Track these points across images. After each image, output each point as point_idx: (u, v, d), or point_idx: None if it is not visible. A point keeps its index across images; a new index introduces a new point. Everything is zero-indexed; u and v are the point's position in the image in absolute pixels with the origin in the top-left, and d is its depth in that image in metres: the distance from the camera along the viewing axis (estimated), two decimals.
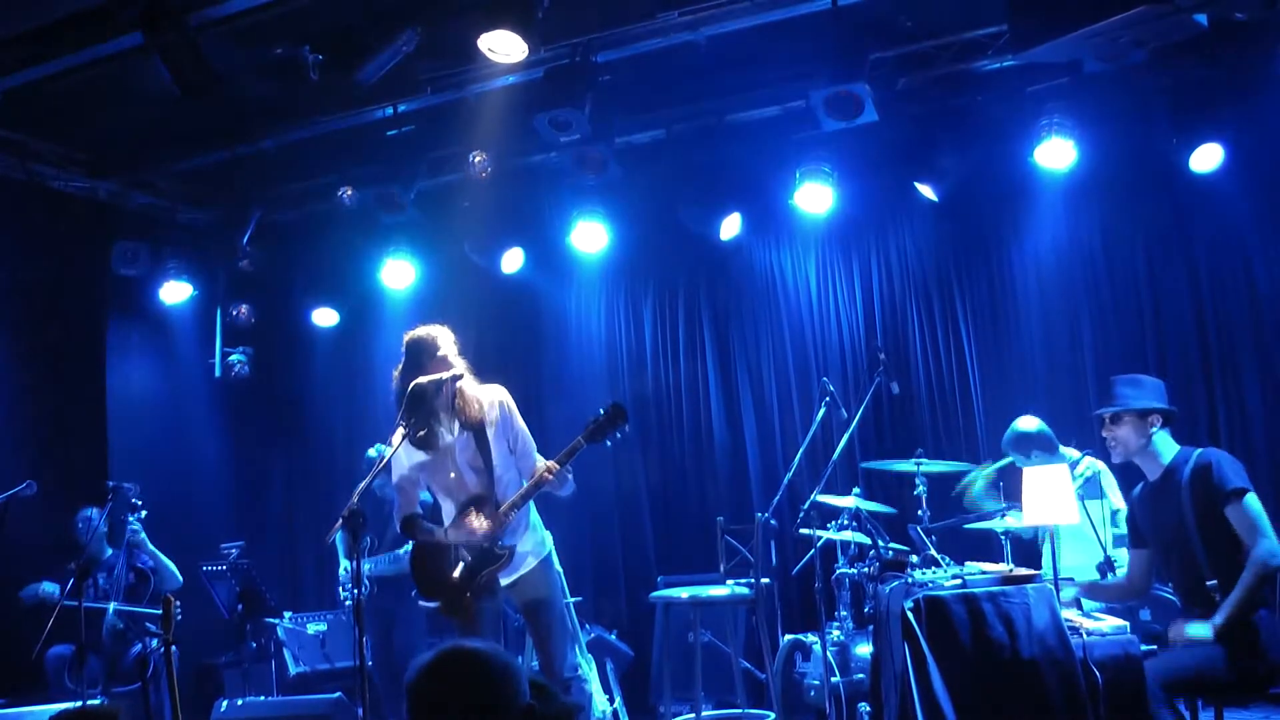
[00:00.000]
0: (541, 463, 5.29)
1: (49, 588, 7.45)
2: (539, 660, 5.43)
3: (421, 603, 5.52)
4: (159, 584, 7.54)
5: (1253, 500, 4.67)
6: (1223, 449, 5.06)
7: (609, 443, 5.25)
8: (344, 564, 7.88)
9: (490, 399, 5.38)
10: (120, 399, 8.99)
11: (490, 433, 5.33)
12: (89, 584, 7.56)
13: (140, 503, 7.52)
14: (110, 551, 7.70)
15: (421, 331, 5.42)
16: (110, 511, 7.53)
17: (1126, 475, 6.66)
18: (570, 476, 5.34)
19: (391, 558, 7.66)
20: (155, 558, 7.59)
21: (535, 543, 5.43)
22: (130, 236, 8.56)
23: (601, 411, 5.24)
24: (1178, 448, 4.96)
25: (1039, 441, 6.48)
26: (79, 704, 5.76)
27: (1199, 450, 4.89)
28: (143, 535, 7.54)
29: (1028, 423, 6.54)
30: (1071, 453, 6.53)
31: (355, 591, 4.96)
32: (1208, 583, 4.65)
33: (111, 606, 7.29)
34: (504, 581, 5.35)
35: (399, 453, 5.34)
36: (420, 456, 5.40)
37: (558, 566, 5.60)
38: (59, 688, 7.04)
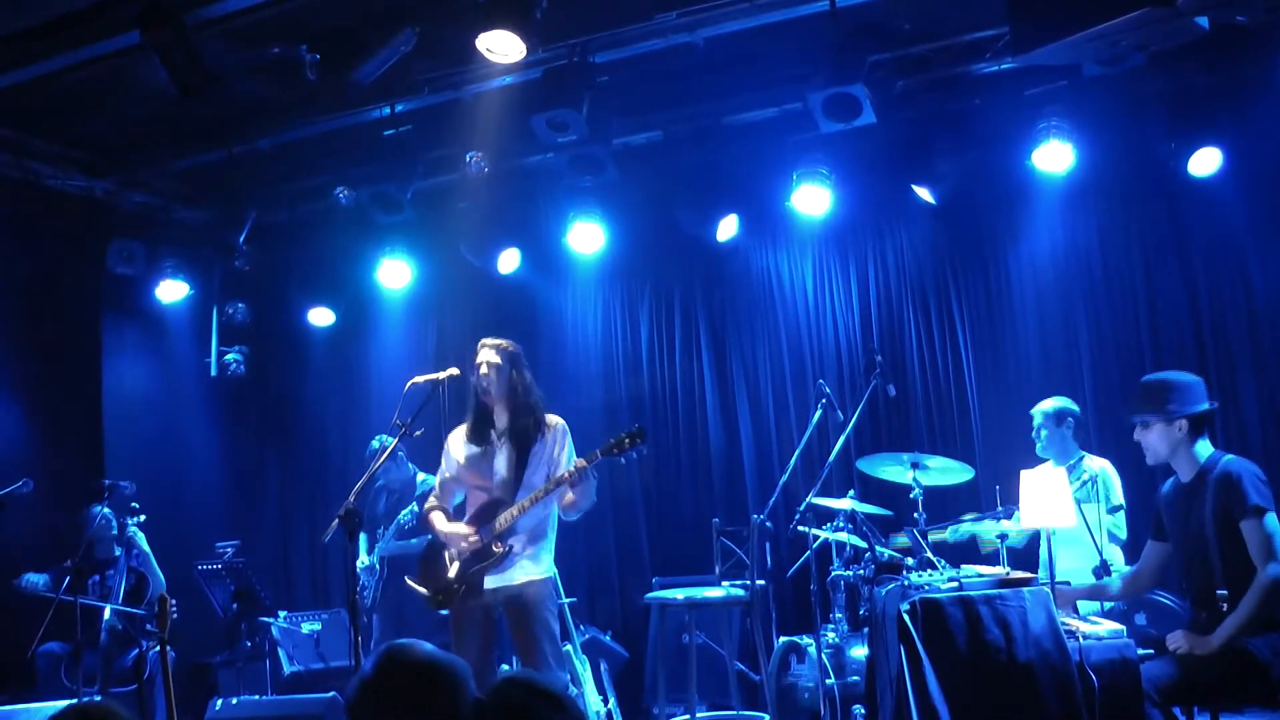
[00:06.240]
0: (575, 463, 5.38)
1: (33, 578, 7.43)
2: None
3: (412, 585, 5.57)
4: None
5: (1271, 520, 4.55)
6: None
7: (624, 460, 5.36)
8: (363, 559, 7.92)
9: (548, 426, 5.54)
10: (116, 398, 8.99)
11: (534, 450, 5.47)
12: (93, 582, 7.57)
13: (138, 505, 7.54)
14: (119, 552, 7.70)
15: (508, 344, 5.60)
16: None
17: (1142, 472, 6.70)
18: (593, 484, 5.39)
19: (397, 533, 7.93)
20: (145, 560, 7.59)
21: (536, 557, 5.43)
22: (126, 235, 8.55)
23: (625, 433, 5.36)
24: (1211, 450, 4.85)
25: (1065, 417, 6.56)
26: (76, 701, 5.78)
27: (1227, 457, 4.78)
28: (140, 538, 7.55)
29: (1059, 400, 6.64)
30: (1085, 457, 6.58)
31: (351, 592, 4.96)
32: (1218, 591, 4.62)
33: (107, 609, 7.28)
34: (490, 584, 5.36)
35: (452, 447, 5.63)
36: (473, 450, 5.57)
37: (558, 590, 5.64)
38: (51, 686, 7.02)
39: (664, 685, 6.82)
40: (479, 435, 5.57)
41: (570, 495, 5.42)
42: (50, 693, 6.87)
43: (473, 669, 5.33)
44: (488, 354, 5.52)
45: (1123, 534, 6.45)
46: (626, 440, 5.30)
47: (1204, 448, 4.87)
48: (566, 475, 5.29)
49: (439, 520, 5.58)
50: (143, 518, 7.55)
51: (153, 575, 7.60)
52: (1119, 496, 6.46)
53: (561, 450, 5.51)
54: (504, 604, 5.42)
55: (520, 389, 5.52)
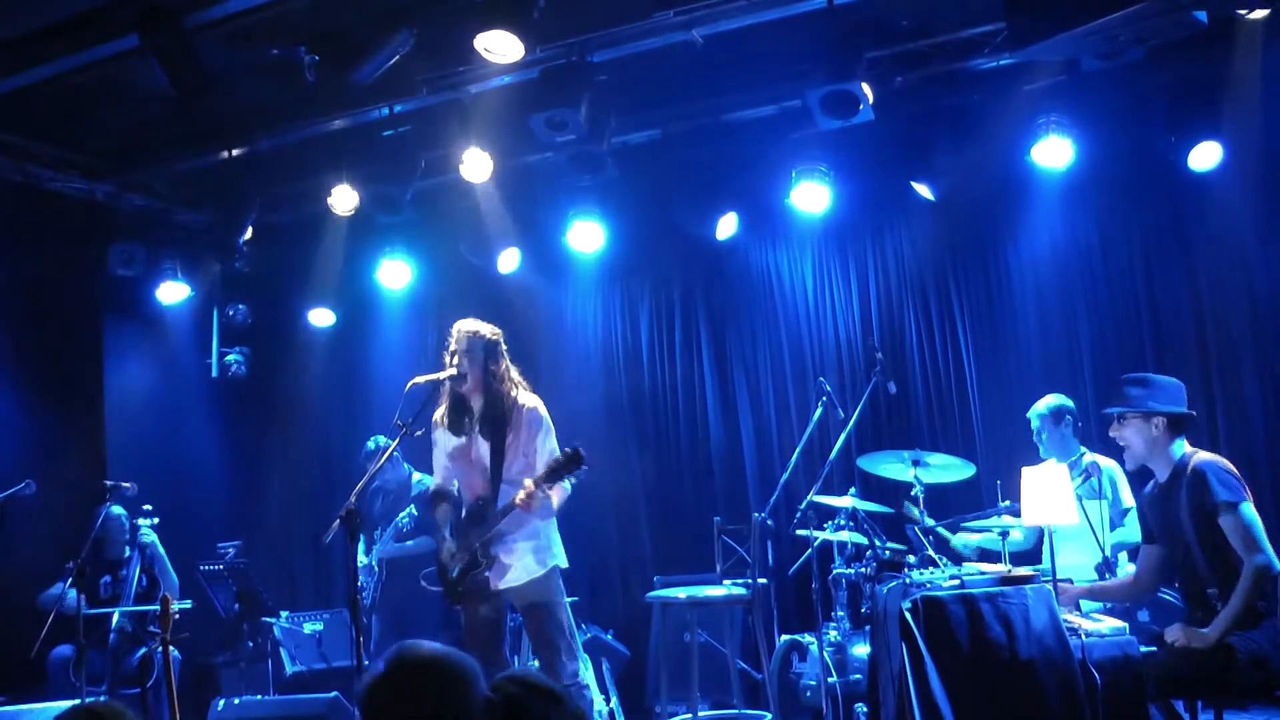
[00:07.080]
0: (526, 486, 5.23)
1: (53, 593, 7.39)
2: (540, 665, 5.46)
3: (426, 585, 5.59)
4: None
5: (1246, 510, 4.58)
6: (1220, 449, 5.03)
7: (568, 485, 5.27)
8: (360, 558, 7.93)
9: (522, 411, 5.42)
10: (117, 399, 9.00)
11: (509, 441, 5.39)
12: (104, 582, 7.58)
13: (151, 507, 7.55)
14: (129, 552, 7.70)
15: (487, 330, 5.49)
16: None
17: (1144, 474, 6.66)
18: (549, 502, 5.27)
19: (395, 535, 7.98)
20: (161, 564, 7.60)
21: (536, 554, 5.42)
22: (127, 238, 8.55)
23: (562, 455, 5.17)
24: (1185, 450, 4.87)
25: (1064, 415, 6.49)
26: (83, 701, 5.79)
27: (1197, 455, 4.79)
28: (155, 541, 7.56)
29: (1053, 398, 6.55)
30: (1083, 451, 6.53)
31: (352, 592, 4.97)
32: (1208, 590, 4.63)
33: (116, 612, 7.29)
34: (499, 586, 5.38)
35: (440, 434, 5.58)
36: (456, 442, 5.54)
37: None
38: (61, 687, 7.02)
39: (666, 684, 6.83)
40: (456, 424, 5.52)
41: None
42: (60, 694, 6.86)
43: (482, 665, 5.39)
44: (462, 341, 5.42)
45: (1137, 537, 6.37)
46: (562, 469, 5.13)
47: (1179, 448, 4.88)
48: (518, 501, 5.18)
49: (441, 517, 5.59)
50: (156, 520, 7.57)
51: (165, 579, 7.62)
52: (1128, 498, 6.37)
53: (534, 438, 5.39)
54: (514, 601, 5.47)
55: (494, 377, 5.43)
